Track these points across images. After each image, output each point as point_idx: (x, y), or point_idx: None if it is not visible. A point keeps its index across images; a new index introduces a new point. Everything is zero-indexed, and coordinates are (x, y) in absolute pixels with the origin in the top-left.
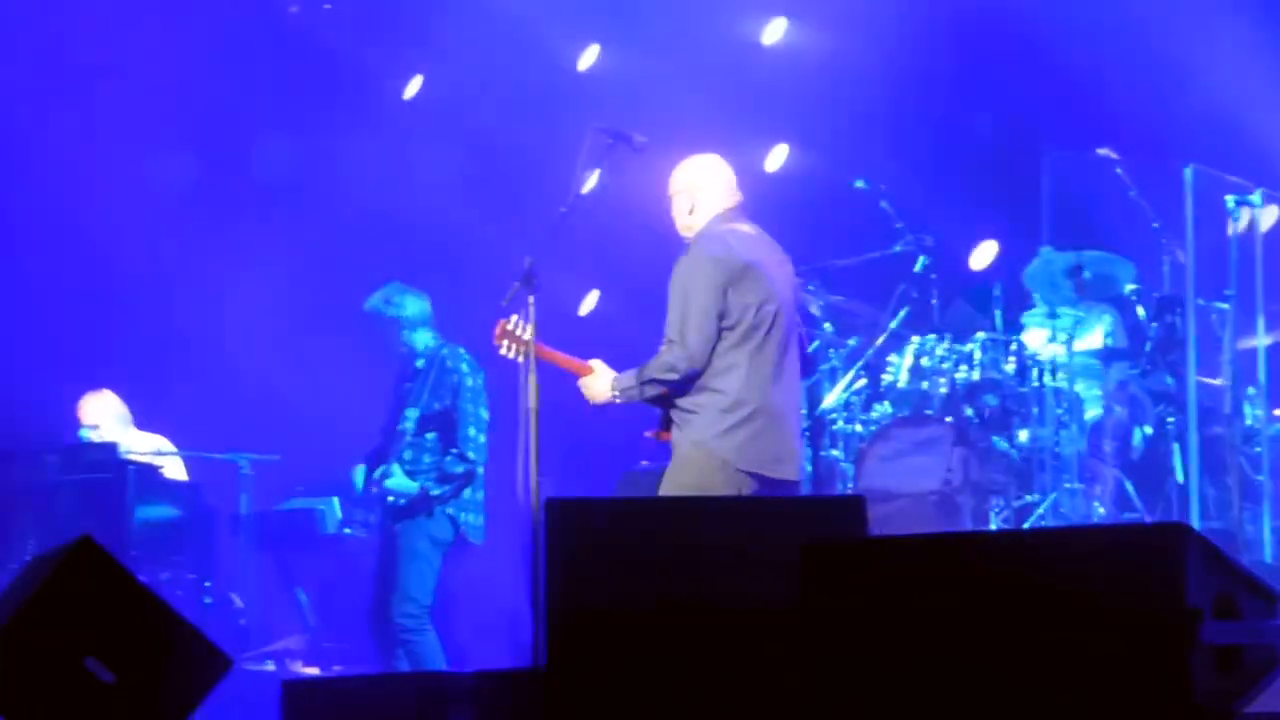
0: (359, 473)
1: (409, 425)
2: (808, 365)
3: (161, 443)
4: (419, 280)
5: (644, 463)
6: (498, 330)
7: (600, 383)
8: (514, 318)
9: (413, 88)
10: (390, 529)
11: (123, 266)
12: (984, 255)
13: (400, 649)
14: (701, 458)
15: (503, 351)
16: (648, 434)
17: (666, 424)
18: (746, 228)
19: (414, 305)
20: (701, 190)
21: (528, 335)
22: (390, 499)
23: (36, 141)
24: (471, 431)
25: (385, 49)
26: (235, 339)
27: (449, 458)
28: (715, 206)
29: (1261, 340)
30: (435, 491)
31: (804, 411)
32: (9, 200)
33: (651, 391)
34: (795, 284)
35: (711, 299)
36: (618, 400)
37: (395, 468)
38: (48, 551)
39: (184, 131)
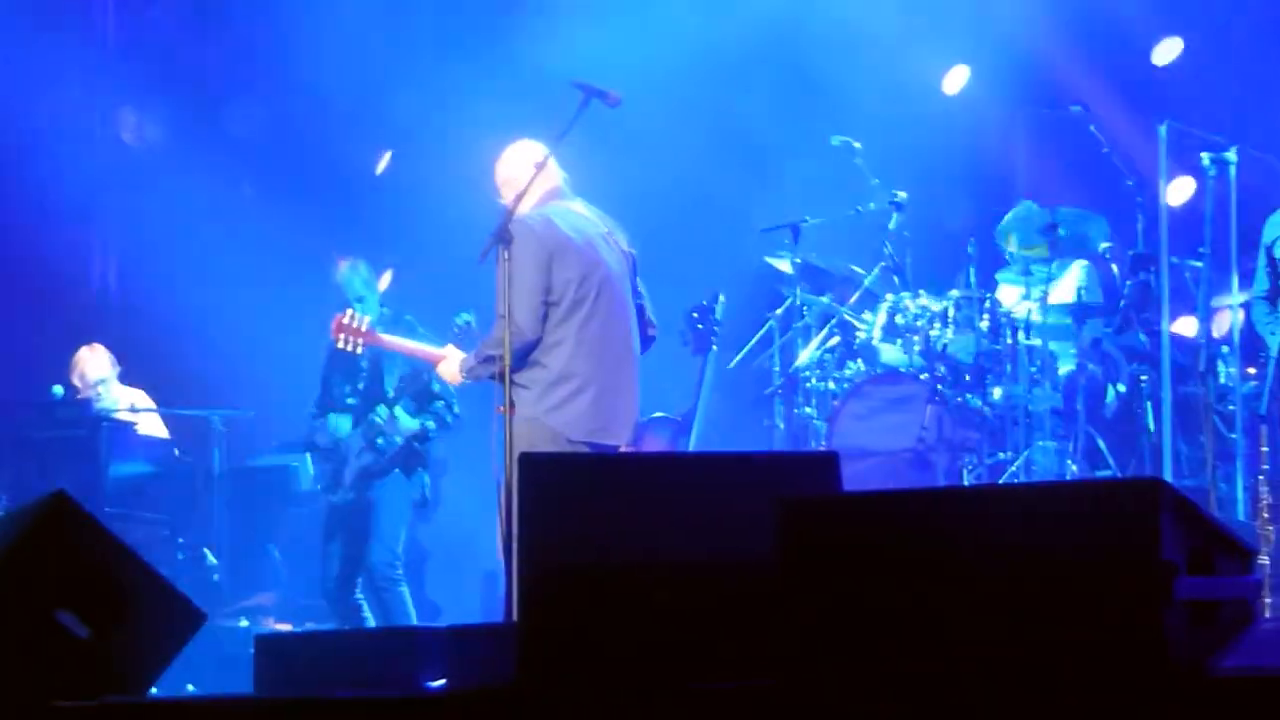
0: (343, 421)
1: (391, 386)
2: (645, 334)
3: (142, 398)
4: (389, 238)
5: None
6: (334, 325)
7: (452, 365)
8: (349, 311)
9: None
10: (364, 486)
11: (99, 223)
12: (958, 213)
13: (374, 599)
14: (533, 431)
15: (340, 345)
16: (499, 409)
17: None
18: (573, 205)
19: (367, 275)
20: (524, 177)
21: (364, 326)
22: (380, 441)
23: (8, 100)
24: (452, 388)
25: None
26: (210, 294)
27: (440, 404)
28: (539, 190)
29: (1235, 299)
30: (433, 434)
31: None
32: None
33: (490, 368)
34: (627, 255)
35: (534, 274)
36: (468, 379)
37: (398, 409)
38: (21, 507)
39: (158, 87)
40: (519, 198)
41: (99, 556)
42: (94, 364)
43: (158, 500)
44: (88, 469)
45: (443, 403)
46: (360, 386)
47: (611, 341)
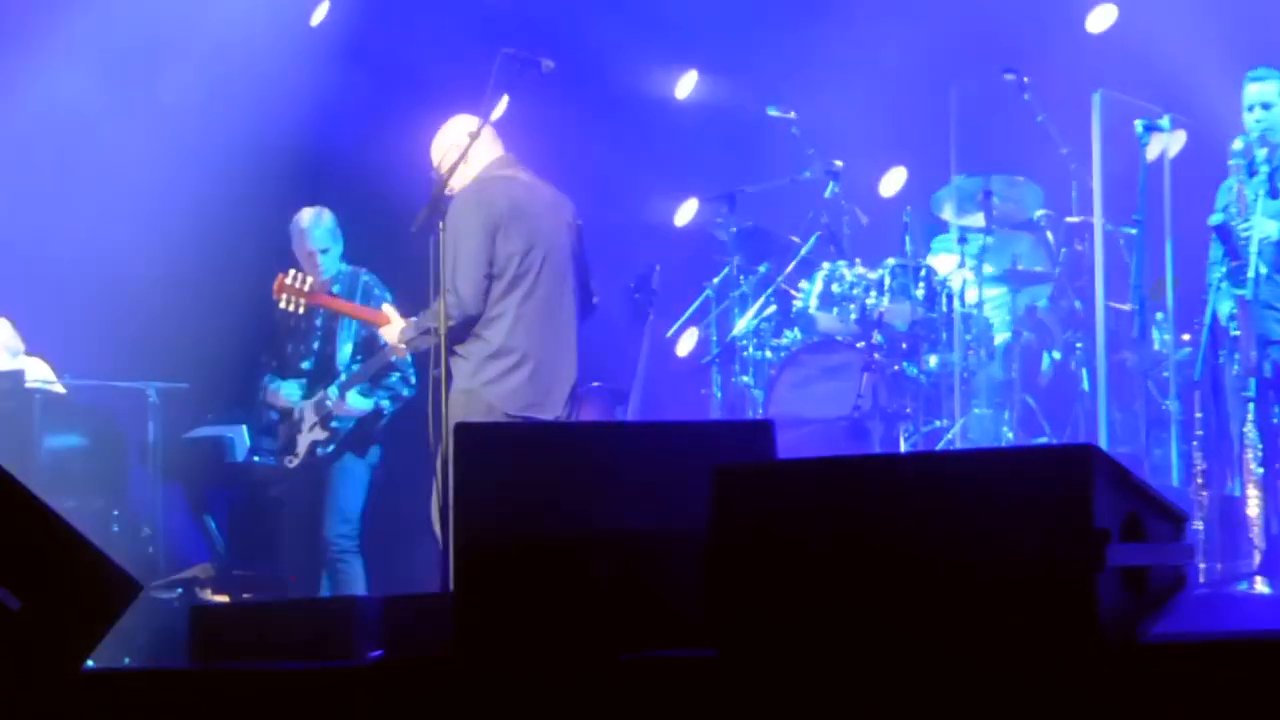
0: (292, 389)
1: (346, 350)
2: (587, 306)
3: (40, 367)
4: (327, 204)
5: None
6: (276, 285)
7: (394, 332)
8: (292, 271)
9: (320, 13)
10: (320, 461)
11: (28, 190)
12: (893, 181)
13: (328, 570)
14: (468, 402)
15: (282, 305)
16: (435, 373)
17: None
18: (516, 174)
19: (331, 226)
20: (460, 150)
21: (307, 287)
22: (335, 423)
23: None
24: (409, 359)
25: None
26: (142, 265)
27: (395, 377)
28: (481, 161)
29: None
30: (389, 410)
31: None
32: None
33: (431, 339)
34: (572, 227)
35: (477, 246)
36: (409, 348)
37: (351, 393)
38: None
39: (88, 53)
40: (452, 169)
41: (32, 528)
42: None
43: (91, 472)
44: (20, 440)
45: (398, 375)
46: (315, 347)
47: (551, 316)
